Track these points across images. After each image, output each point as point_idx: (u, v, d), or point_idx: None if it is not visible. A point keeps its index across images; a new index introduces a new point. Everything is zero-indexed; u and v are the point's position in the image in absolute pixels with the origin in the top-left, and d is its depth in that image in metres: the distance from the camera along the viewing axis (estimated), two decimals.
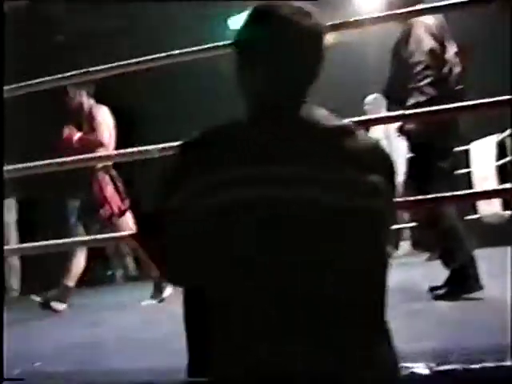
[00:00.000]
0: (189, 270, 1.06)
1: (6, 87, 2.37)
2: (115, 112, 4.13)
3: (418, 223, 3.37)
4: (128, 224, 3.87)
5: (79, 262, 3.88)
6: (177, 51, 2.26)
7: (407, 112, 2.35)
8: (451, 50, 2.69)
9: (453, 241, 2.58)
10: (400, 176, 2.42)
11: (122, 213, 3.95)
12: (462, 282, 2.51)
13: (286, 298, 0.98)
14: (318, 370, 0.96)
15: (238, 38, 1.16)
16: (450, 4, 2.08)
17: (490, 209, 5.08)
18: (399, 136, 2.79)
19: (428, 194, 2.11)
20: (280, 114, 1.10)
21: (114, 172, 4.02)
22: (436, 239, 2.80)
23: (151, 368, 1.78)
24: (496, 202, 4.99)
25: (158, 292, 3.80)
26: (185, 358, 1.16)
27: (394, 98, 2.75)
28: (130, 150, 2.38)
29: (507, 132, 5.03)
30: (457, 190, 2.20)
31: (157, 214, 1.09)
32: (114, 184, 4.02)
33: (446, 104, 2.09)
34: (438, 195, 2.05)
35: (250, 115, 1.13)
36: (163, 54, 2.28)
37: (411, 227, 4.81)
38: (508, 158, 5.15)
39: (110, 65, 2.35)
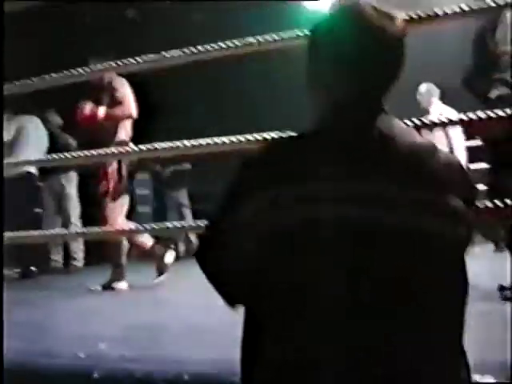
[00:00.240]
0: (254, 290, 1.03)
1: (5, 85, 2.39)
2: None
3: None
4: (115, 210, 3.95)
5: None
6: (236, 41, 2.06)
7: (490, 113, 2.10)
8: None
9: None
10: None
11: (115, 194, 4.00)
12: None
13: (361, 322, 0.93)
14: None
15: (318, 34, 1.12)
16: None
17: None
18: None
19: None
20: (356, 123, 1.05)
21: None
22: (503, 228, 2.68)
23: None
24: None
25: None
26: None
27: (475, 89, 2.63)
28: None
29: None
30: None
31: (220, 230, 1.07)
32: (119, 165, 4.03)
33: None
34: None
35: (322, 124, 1.08)
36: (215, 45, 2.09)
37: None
38: None
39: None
